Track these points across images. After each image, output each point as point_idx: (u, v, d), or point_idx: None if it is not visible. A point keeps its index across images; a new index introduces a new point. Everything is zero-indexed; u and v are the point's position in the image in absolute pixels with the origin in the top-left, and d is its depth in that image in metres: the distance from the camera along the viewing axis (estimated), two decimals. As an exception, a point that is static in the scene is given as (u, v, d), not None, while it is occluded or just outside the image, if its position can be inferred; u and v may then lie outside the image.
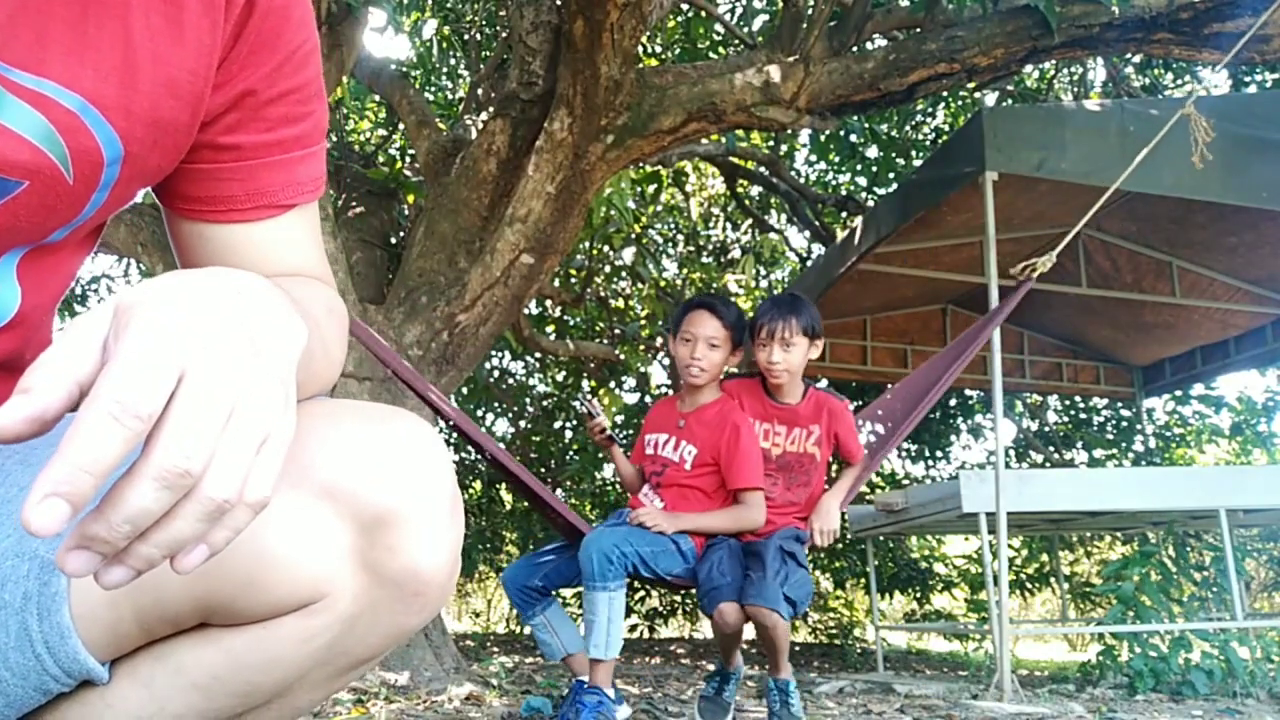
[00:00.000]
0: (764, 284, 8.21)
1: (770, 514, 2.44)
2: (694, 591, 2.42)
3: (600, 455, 7.36)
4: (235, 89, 0.69)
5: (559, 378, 7.96)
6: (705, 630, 9.92)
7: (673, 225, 8.05)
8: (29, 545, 0.60)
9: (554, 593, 2.45)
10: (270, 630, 0.62)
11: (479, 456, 7.73)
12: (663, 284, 7.41)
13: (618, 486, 7.94)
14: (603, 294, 7.15)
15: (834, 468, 2.79)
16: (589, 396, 2.59)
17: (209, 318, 0.45)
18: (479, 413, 7.65)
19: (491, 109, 4.03)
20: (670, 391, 7.62)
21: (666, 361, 7.44)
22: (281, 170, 0.73)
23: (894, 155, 6.35)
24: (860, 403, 6.80)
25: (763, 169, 6.55)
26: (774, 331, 2.43)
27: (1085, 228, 5.36)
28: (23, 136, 0.58)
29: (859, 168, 6.60)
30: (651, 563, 2.28)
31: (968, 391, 7.62)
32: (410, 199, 5.08)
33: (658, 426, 2.57)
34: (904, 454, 7.95)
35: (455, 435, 7.36)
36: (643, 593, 8.01)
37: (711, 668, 4.88)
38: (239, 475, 0.42)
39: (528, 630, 8.56)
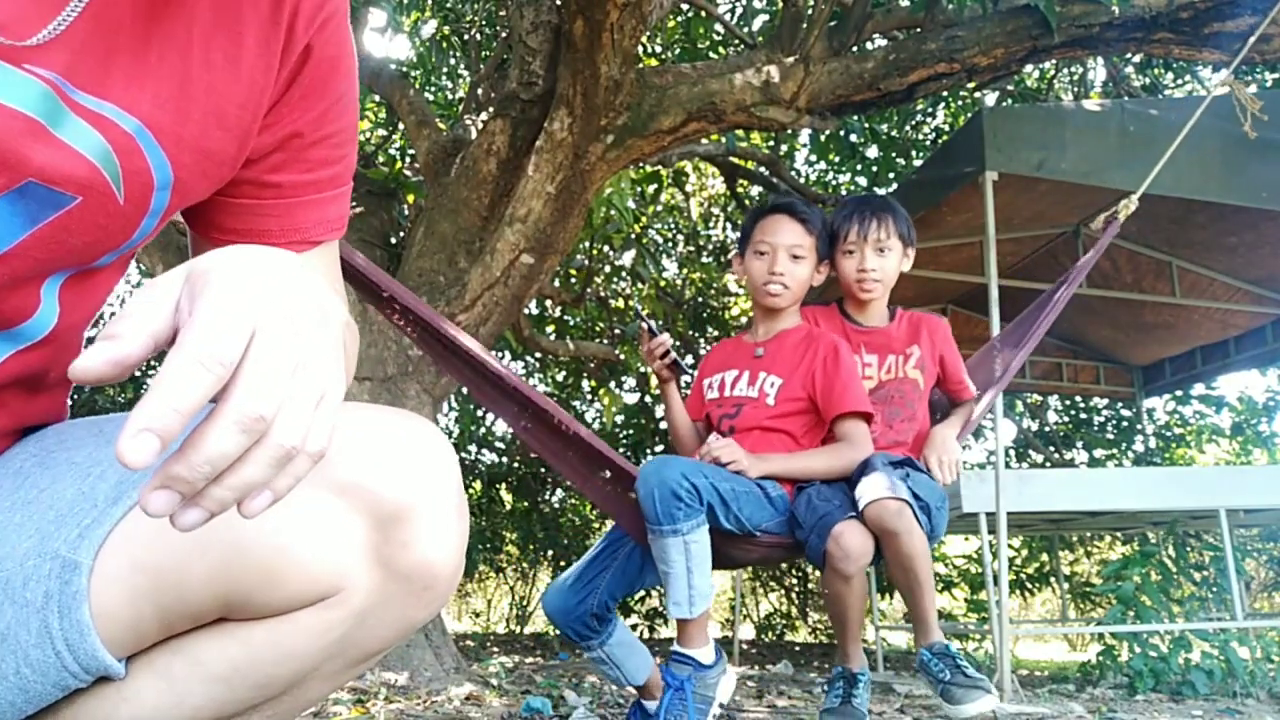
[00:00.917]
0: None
1: None
2: (778, 558, 1.88)
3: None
4: (284, 130, 0.72)
5: (559, 378, 7.96)
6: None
7: (673, 225, 8.05)
8: (50, 545, 0.61)
9: (614, 611, 1.99)
10: (288, 623, 0.64)
11: (479, 455, 7.74)
12: (663, 284, 7.41)
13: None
14: (603, 294, 7.16)
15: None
16: (647, 319, 2.05)
17: (279, 283, 0.49)
18: (479, 412, 7.65)
19: (491, 109, 4.03)
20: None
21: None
22: (316, 209, 0.77)
23: (894, 155, 6.35)
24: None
25: (763, 169, 6.55)
26: (866, 233, 2.04)
27: (1085, 228, 5.37)
28: (81, 153, 0.60)
29: (859, 168, 6.60)
30: (734, 504, 1.74)
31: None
32: (410, 199, 5.08)
33: (725, 364, 2.07)
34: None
35: (462, 431, 7.36)
36: (642, 593, 8.02)
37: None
38: (303, 425, 0.45)
39: (528, 630, 8.54)
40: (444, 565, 0.67)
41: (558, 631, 2.16)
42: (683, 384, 2.14)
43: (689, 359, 7.52)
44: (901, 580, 1.82)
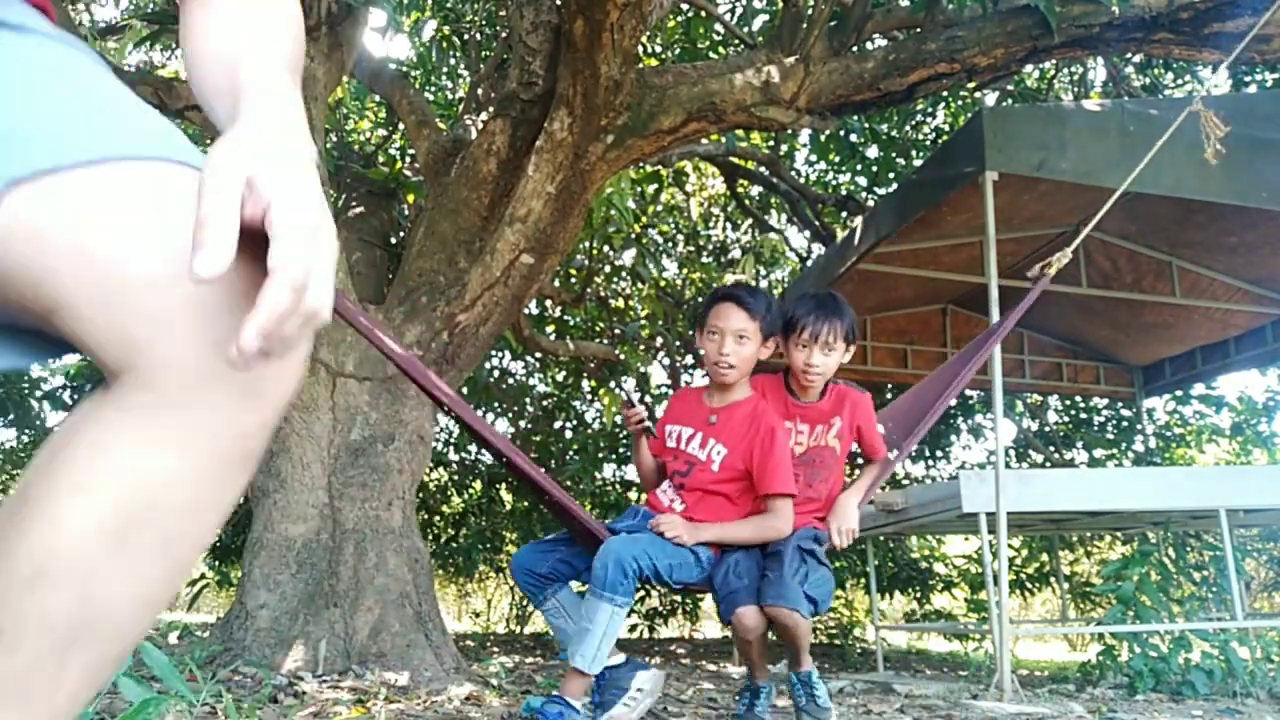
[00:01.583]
0: (764, 284, 8.21)
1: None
2: (697, 594, 2.39)
3: (600, 456, 7.35)
4: None
5: (559, 378, 7.96)
6: (706, 630, 9.91)
7: (673, 225, 8.05)
8: None
9: (565, 581, 2.35)
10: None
11: (479, 455, 7.74)
12: (663, 284, 7.41)
13: (618, 486, 7.94)
14: (603, 294, 7.15)
15: (851, 473, 2.75)
16: (629, 389, 2.54)
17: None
18: (479, 413, 7.65)
19: (491, 109, 4.03)
20: (670, 391, 7.61)
21: (666, 361, 7.44)
22: None
23: (894, 155, 6.35)
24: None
25: (763, 169, 6.55)
26: (818, 334, 2.33)
27: (1084, 228, 5.38)
28: None
29: (859, 168, 6.61)
30: (667, 574, 2.18)
31: (968, 391, 7.62)
32: (410, 199, 5.08)
33: (684, 419, 2.42)
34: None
35: (461, 431, 7.37)
36: (643, 592, 8.01)
37: (711, 668, 4.88)
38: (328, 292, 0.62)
39: (528, 630, 8.55)
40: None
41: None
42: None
43: (690, 360, 7.52)
44: (787, 643, 2.27)
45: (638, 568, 2.07)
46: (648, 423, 2.43)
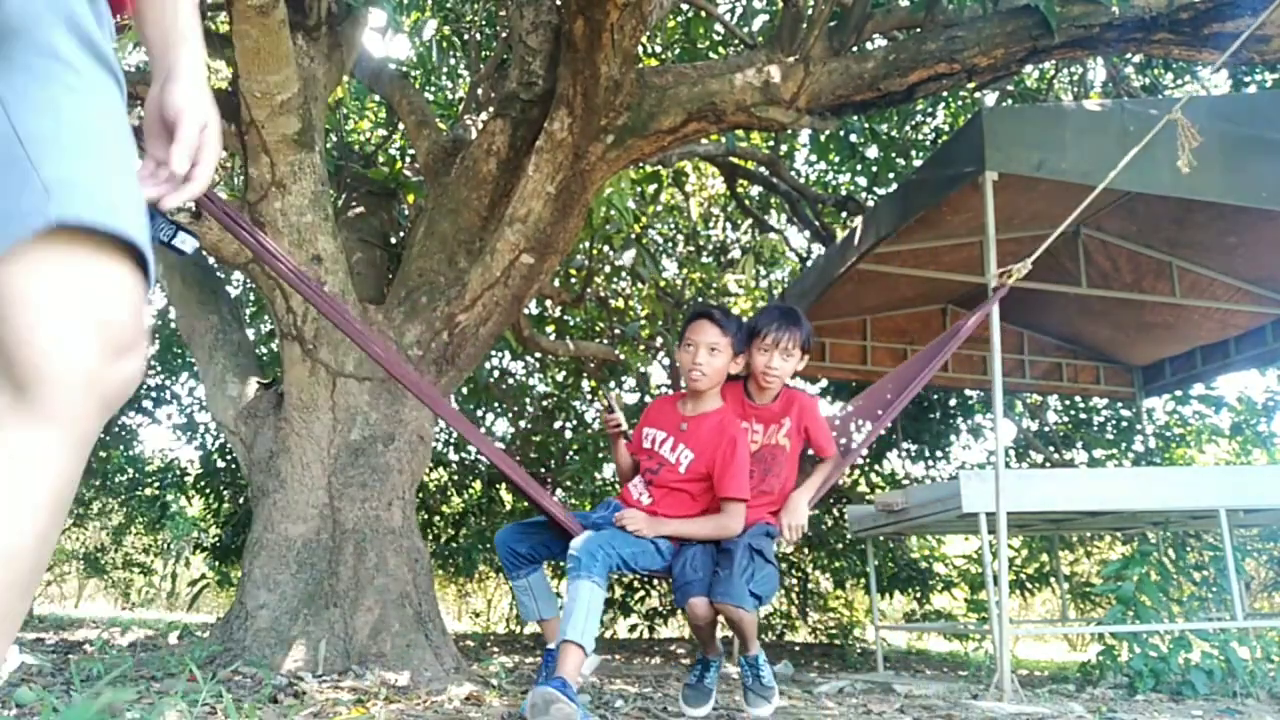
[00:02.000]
0: (764, 284, 8.21)
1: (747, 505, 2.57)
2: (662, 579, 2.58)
3: (600, 456, 7.35)
4: None
5: (559, 378, 7.96)
6: (705, 630, 9.90)
7: (673, 225, 8.05)
8: None
9: (540, 561, 2.62)
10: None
11: (479, 455, 7.74)
12: (663, 284, 7.41)
13: (617, 486, 7.93)
14: (603, 294, 7.15)
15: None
16: (611, 392, 2.68)
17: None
18: (479, 413, 7.65)
19: (491, 109, 4.03)
20: (669, 391, 7.62)
21: (666, 361, 7.44)
22: None
23: (894, 155, 6.35)
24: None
25: (763, 169, 6.55)
26: (779, 340, 2.59)
27: (1085, 228, 5.38)
28: None
29: (859, 168, 6.60)
30: (632, 563, 2.44)
31: (968, 391, 7.62)
32: (410, 199, 5.08)
33: (659, 423, 2.67)
34: (904, 454, 7.95)
35: (455, 435, 7.37)
36: (643, 592, 8.01)
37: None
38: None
39: (528, 630, 8.55)
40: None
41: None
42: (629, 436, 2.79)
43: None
44: (735, 632, 2.54)
45: (605, 554, 2.34)
46: (624, 428, 2.68)
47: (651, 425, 2.69)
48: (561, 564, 2.48)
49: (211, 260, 4.25)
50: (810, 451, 2.77)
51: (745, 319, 2.74)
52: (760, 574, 2.44)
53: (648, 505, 2.59)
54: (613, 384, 7.45)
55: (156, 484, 8.54)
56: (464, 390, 7.08)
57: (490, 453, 2.67)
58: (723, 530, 2.52)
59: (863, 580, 7.45)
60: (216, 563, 7.25)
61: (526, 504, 7.72)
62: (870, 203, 6.23)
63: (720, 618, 2.46)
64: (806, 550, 8.06)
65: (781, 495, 2.65)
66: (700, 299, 7.56)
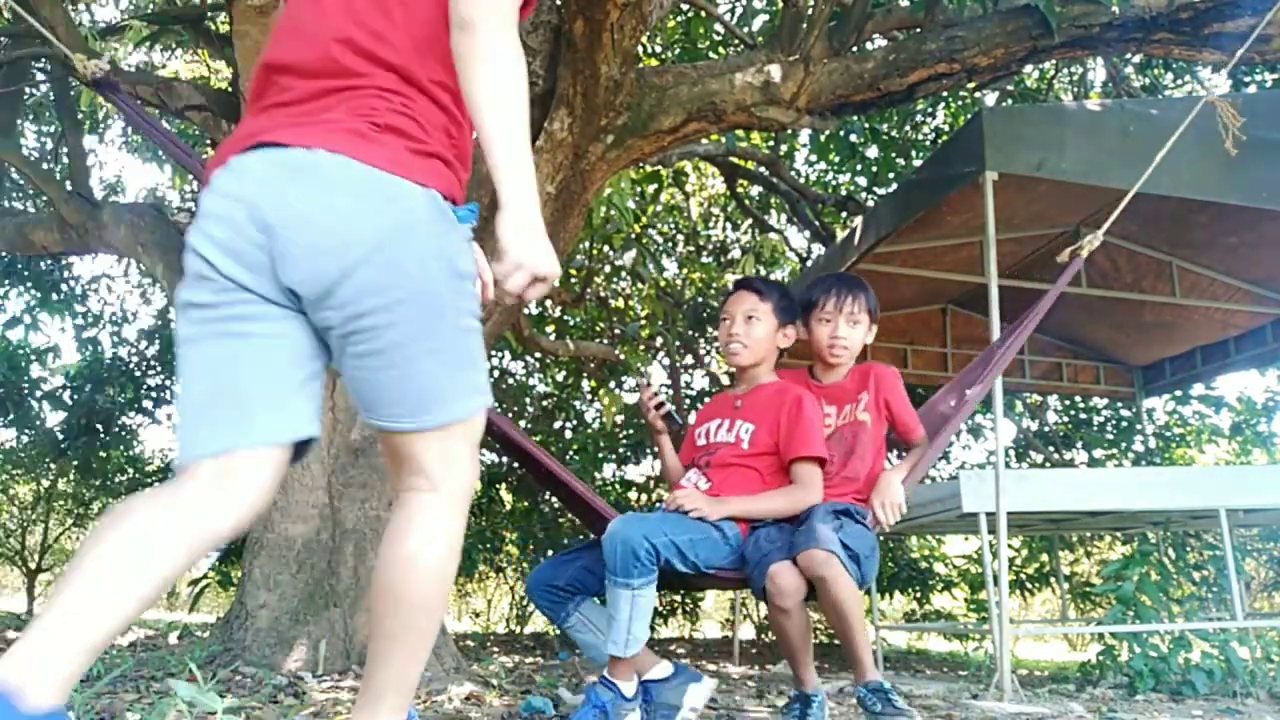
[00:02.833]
0: (764, 284, 8.20)
1: (827, 495, 2.19)
2: (698, 594, 2.31)
3: (600, 456, 7.35)
4: None
5: (559, 378, 7.96)
6: (705, 630, 9.91)
7: (673, 225, 8.05)
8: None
9: (583, 594, 2.22)
10: None
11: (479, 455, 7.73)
12: (663, 284, 7.41)
13: (618, 486, 7.94)
14: (603, 294, 7.15)
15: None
16: (645, 376, 2.45)
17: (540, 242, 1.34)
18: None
19: (491, 109, 4.03)
20: (670, 390, 7.61)
21: (666, 361, 7.44)
22: None
23: (894, 155, 6.35)
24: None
25: (763, 169, 6.55)
26: (842, 305, 2.32)
27: (1085, 228, 5.37)
28: None
29: (859, 168, 6.60)
30: (690, 553, 2.01)
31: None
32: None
33: (710, 415, 2.38)
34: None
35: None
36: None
37: (713, 668, 4.87)
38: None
39: (528, 630, 8.55)
40: None
41: (557, 631, 2.33)
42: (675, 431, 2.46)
43: (689, 360, 7.52)
44: (833, 622, 2.02)
45: (650, 546, 1.94)
46: (669, 407, 2.34)
47: (704, 421, 2.37)
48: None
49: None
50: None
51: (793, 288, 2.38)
52: (851, 529, 2.05)
53: (707, 489, 2.20)
54: (646, 369, 7.33)
55: (156, 484, 8.53)
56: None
57: (514, 433, 2.33)
58: (798, 502, 2.14)
59: (863, 580, 7.43)
60: (217, 562, 7.25)
61: (526, 504, 7.72)
62: (870, 203, 6.23)
63: (810, 611, 2.04)
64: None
65: (869, 481, 2.25)
66: (700, 299, 7.56)
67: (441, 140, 1.37)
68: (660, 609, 8.15)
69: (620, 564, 1.94)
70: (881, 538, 2.32)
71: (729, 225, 8.24)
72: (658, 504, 2.35)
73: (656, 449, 2.46)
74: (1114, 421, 8.03)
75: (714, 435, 2.31)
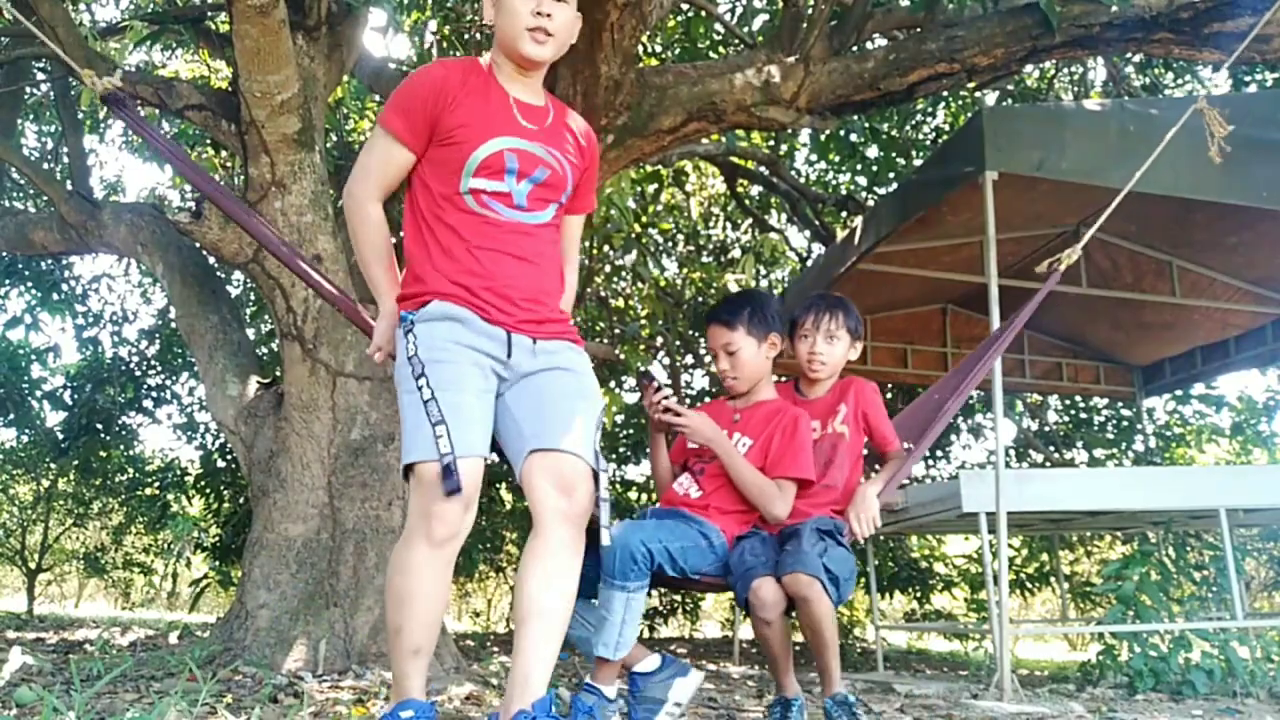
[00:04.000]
0: (764, 284, 8.20)
1: (805, 505, 2.30)
2: (699, 594, 2.36)
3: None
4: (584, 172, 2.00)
5: (559, 377, 7.93)
6: (705, 630, 9.91)
7: (673, 225, 8.05)
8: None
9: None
10: None
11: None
12: (663, 284, 7.41)
13: (617, 486, 7.94)
14: (603, 294, 7.15)
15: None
16: (649, 369, 2.40)
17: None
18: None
19: (491, 109, 4.03)
20: (670, 391, 7.60)
21: (666, 361, 7.44)
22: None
23: (894, 155, 6.34)
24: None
25: (763, 169, 6.55)
26: (819, 323, 2.43)
27: (1085, 228, 5.37)
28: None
29: (859, 168, 6.60)
30: (680, 559, 2.13)
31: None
32: (410, 199, 5.07)
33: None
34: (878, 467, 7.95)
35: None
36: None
37: (713, 668, 4.87)
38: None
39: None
40: None
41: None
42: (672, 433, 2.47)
43: (689, 360, 7.52)
44: (809, 638, 2.17)
45: (646, 551, 2.05)
46: (674, 406, 2.33)
47: None
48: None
49: (211, 260, 4.25)
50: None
51: (773, 296, 2.42)
52: (834, 553, 2.15)
53: (697, 499, 2.31)
54: (647, 368, 7.36)
55: (156, 484, 8.53)
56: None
57: None
58: (768, 496, 2.23)
59: (863, 580, 7.44)
60: (217, 562, 7.25)
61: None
62: (870, 203, 6.23)
63: (792, 622, 2.14)
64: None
65: (846, 492, 2.37)
66: (700, 299, 7.56)
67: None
68: (660, 609, 8.16)
69: (618, 567, 2.04)
70: (881, 538, 2.33)
71: (729, 225, 8.23)
72: (644, 512, 2.35)
73: (650, 447, 2.52)
74: (1114, 421, 8.03)
75: None
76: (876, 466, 2.51)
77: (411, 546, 1.69)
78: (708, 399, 6.59)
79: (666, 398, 2.32)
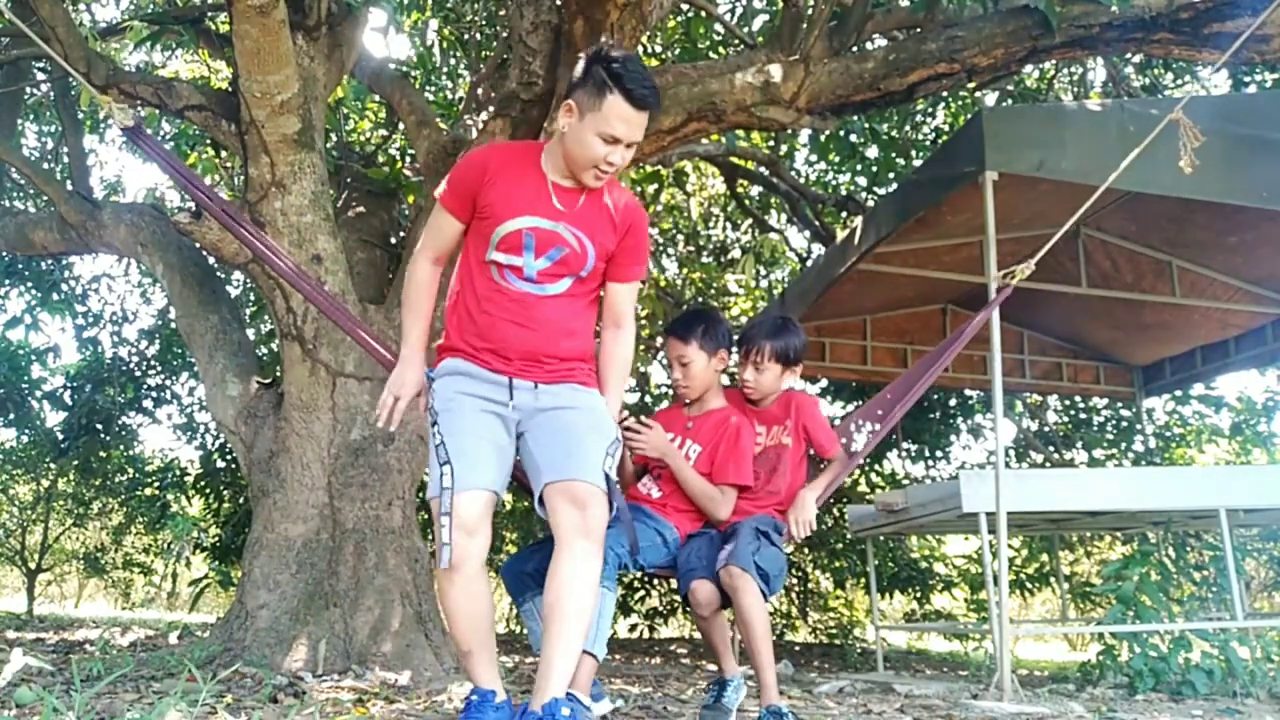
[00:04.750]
0: (764, 284, 8.21)
1: (751, 505, 2.55)
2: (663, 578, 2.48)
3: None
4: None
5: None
6: (705, 630, 9.88)
7: (673, 225, 8.05)
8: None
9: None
10: None
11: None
12: (663, 284, 7.40)
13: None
14: (603, 294, 7.14)
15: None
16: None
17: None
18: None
19: (491, 109, 4.03)
20: (669, 391, 7.62)
21: (666, 361, 7.44)
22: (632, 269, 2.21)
23: (894, 155, 6.34)
24: (859, 403, 6.79)
25: (763, 169, 6.55)
26: (748, 353, 2.64)
27: (1085, 228, 5.38)
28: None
29: (859, 168, 6.60)
30: (640, 556, 2.40)
31: (968, 391, 7.62)
32: (410, 199, 5.08)
33: (666, 428, 2.65)
34: (904, 454, 7.95)
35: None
36: (642, 592, 8.01)
37: (713, 668, 4.88)
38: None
39: (528, 630, 8.56)
40: None
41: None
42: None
43: None
44: (742, 631, 2.37)
45: (614, 554, 2.28)
46: (629, 420, 2.57)
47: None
48: None
49: (211, 260, 4.25)
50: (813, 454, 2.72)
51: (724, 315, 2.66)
52: (766, 551, 2.40)
53: (657, 499, 2.58)
54: (650, 361, 7.43)
55: (156, 484, 8.54)
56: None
57: None
58: (711, 499, 2.51)
59: (863, 580, 7.44)
60: (216, 562, 7.25)
61: (526, 504, 7.72)
62: (870, 203, 6.23)
63: (729, 621, 2.32)
64: (807, 550, 8.06)
65: (789, 495, 2.62)
66: (700, 299, 7.56)
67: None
68: (660, 609, 8.16)
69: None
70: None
71: (729, 225, 8.24)
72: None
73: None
74: (1114, 421, 8.03)
75: None
76: (823, 464, 2.72)
77: (437, 574, 1.99)
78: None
79: (625, 419, 2.51)
